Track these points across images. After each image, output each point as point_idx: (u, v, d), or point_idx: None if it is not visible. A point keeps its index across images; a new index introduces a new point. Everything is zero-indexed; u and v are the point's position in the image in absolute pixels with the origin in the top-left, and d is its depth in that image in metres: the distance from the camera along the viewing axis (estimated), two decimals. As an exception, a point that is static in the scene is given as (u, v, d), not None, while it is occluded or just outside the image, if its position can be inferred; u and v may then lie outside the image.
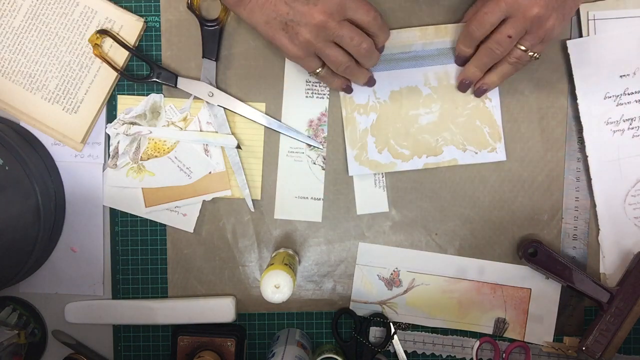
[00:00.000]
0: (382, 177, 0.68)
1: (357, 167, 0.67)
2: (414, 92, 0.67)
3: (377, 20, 0.59)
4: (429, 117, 0.67)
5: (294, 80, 0.67)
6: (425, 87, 0.67)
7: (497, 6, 0.58)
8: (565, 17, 0.59)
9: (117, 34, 0.66)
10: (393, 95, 0.67)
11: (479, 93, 0.66)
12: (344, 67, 0.61)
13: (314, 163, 0.68)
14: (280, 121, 0.68)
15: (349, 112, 0.67)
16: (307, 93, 0.68)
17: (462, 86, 0.66)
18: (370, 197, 0.68)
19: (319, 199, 0.69)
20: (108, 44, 0.66)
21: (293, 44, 0.58)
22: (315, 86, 0.68)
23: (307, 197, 0.69)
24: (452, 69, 0.66)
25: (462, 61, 0.65)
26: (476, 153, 0.67)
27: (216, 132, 0.67)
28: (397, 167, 0.67)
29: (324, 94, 0.68)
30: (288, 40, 0.58)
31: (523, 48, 0.60)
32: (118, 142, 0.67)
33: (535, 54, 0.60)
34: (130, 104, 0.68)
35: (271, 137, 0.68)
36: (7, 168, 0.61)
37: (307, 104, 0.68)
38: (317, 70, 0.62)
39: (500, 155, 0.67)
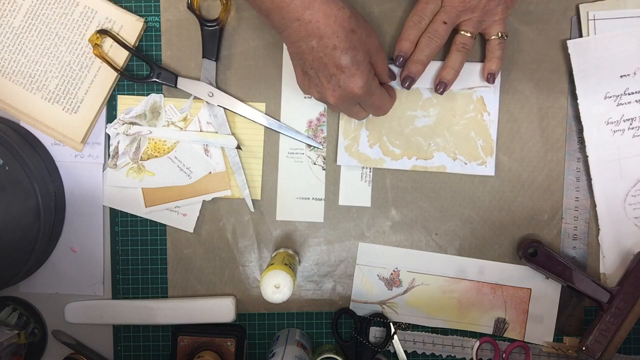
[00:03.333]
0: (370, 172, 0.68)
1: (346, 157, 0.67)
2: (414, 93, 0.67)
3: (386, 113, 0.63)
4: (425, 120, 0.67)
5: (292, 81, 0.67)
6: (426, 90, 0.67)
7: None
8: None
9: (117, 34, 0.66)
10: None
11: (440, 89, 0.64)
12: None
13: (314, 163, 0.68)
14: (280, 121, 0.68)
15: None
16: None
17: (406, 83, 0.63)
18: (354, 190, 0.69)
19: (320, 200, 0.69)
20: (108, 44, 0.66)
21: (303, 84, 0.60)
22: (315, 86, 0.68)
23: (308, 198, 0.69)
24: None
25: (403, 61, 0.63)
26: (465, 164, 0.67)
27: (216, 132, 0.67)
28: (386, 164, 0.67)
29: (323, 94, 0.68)
30: (302, 78, 0.59)
31: (468, 34, 0.62)
32: (118, 142, 0.67)
33: (503, 34, 0.63)
34: (130, 104, 0.68)
35: (271, 137, 0.68)
36: (7, 168, 0.61)
37: (306, 104, 0.68)
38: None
39: (489, 170, 0.67)
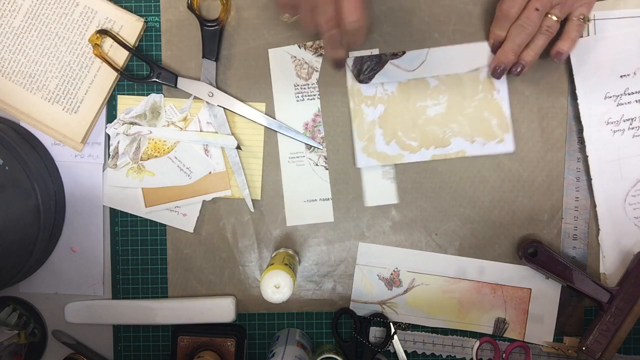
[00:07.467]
0: (391, 168, 0.68)
1: (365, 159, 0.67)
2: (421, 83, 0.67)
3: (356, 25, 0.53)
4: (436, 108, 0.67)
5: (282, 86, 0.67)
6: (432, 78, 0.67)
7: None
8: None
9: (117, 34, 0.66)
10: (401, 86, 0.67)
11: (517, 70, 0.64)
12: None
13: (316, 164, 0.68)
14: (280, 121, 0.68)
15: (357, 104, 0.67)
16: (297, 97, 0.68)
17: (497, 73, 0.65)
18: (379, 189, 0.68)
19: (328, 199, 0.69)
20: (108, 44, 0.66)
21: None
22: (304, 89, 0.68)
23: (315, 199, 0.69)
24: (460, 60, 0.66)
25: (497, 47, 0.65)
26: (484, 144, 0.67)
27: (216, 132, 0.67)
28: (405, 158, 0.67)
29: (314, 95, 0.68)
30: None
31: (555, 18, 0.61)
32: (118, 142, 0.67)
33: (585, 18, 0.62)
34: (130, 104, 0.68)
35: (271, 137, 0.68)
36: (7, 168, 0.61)
37: (299, 107, 0.68)
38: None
39: (508, 146, 0.67)
